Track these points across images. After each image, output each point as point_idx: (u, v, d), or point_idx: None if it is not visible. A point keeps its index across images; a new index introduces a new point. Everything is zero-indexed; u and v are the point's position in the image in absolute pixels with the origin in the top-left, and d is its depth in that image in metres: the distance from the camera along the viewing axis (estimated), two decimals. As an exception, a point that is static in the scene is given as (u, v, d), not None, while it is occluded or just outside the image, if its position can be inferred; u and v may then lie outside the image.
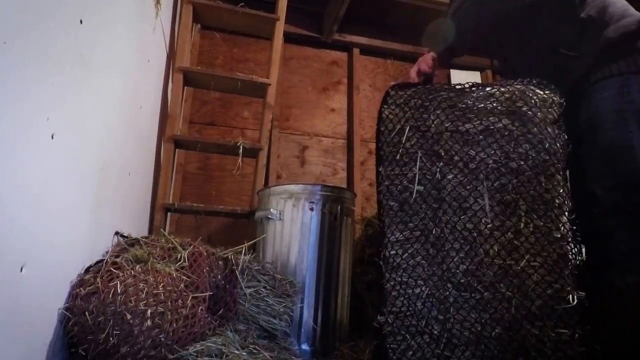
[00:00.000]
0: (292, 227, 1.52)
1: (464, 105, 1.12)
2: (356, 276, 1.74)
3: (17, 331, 0.75)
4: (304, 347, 1.43)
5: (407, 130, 1.12)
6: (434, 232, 1.06)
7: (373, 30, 2.90)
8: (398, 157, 1.12)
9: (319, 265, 1.50)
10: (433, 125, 1.11)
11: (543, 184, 1.04)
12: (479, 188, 1.06)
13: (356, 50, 2.90)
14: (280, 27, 2.13)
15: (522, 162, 1.05)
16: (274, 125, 2.56)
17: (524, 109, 1.09)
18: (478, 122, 1.10)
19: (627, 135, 1.01)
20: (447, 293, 1.02)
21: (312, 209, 1.53)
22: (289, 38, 2.72)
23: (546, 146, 1.05)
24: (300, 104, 2.75)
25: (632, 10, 1.11)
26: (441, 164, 1.08)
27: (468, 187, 1.06)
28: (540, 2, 1.17)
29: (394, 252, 1.07)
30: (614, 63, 1.07)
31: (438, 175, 1.08)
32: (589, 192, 1.07)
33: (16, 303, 0.74)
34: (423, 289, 1.03)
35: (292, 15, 2.48)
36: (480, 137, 1.08)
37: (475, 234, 1.03)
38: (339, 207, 1.58)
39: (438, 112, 1.12)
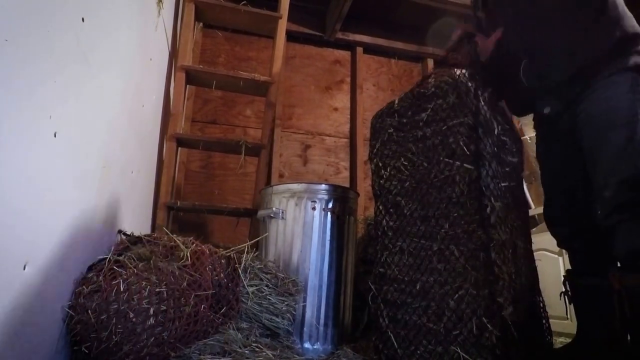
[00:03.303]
0: (294, 226, 1.52)
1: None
2: (359, 276, 1.73)
3: (20, 329, 0.75)
4: (307, 345, 1.43)
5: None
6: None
7: (377, 28, 2.89)
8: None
9: (322, 264, 1.49)
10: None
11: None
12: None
13: (359, 49, 2.89)
14: (282, 26, 2.12)
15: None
16: (277, 124, 2.55)
17: None
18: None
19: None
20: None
21: (314, 208, 1.53)
22: (291, 36, 2.71)
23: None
24: (303, 103, 2.74)
25: None
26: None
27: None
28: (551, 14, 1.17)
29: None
30: (627, 57, 1.09)
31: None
32: (599, 186, 1.08)
33: (19, 301, 0.74)
34: None
35: (295, 14, 2.47)
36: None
37: None
38: (342, 206, 1.58)
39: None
